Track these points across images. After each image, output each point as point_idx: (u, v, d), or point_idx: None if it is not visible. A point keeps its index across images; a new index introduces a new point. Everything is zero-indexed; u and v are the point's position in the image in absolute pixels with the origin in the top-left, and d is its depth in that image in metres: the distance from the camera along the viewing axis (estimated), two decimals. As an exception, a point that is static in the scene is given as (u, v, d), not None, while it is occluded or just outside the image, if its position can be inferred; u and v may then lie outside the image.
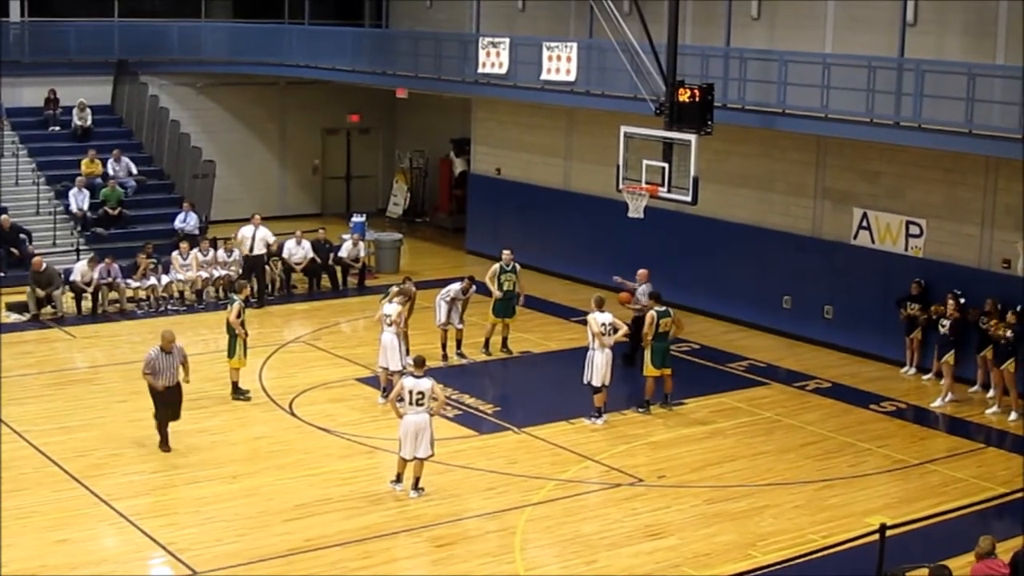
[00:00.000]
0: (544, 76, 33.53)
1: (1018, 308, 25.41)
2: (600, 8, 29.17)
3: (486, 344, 29.28)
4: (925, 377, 27.63)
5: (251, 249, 33.36)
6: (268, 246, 33.71)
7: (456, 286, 28.54)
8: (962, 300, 26.31)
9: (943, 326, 26.13)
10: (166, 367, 22.40)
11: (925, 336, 27.73)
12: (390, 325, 25.18)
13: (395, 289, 26.62)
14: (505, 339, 29.51)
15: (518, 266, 29.29)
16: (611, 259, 33.17)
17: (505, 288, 28.90)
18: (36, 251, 33.63)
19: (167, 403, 22.64)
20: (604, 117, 32.79)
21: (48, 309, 31.78)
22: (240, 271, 33.45)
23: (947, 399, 26.24)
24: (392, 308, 25.27)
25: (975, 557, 15.17)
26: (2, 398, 25.19)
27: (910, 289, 27.80)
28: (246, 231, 33.58)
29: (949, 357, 26.13)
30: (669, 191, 26.81)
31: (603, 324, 24.53)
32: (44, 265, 32.13)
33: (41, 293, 31.65)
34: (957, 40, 27.64)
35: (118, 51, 42.11)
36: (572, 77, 32.85)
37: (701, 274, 32.95)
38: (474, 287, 28.96)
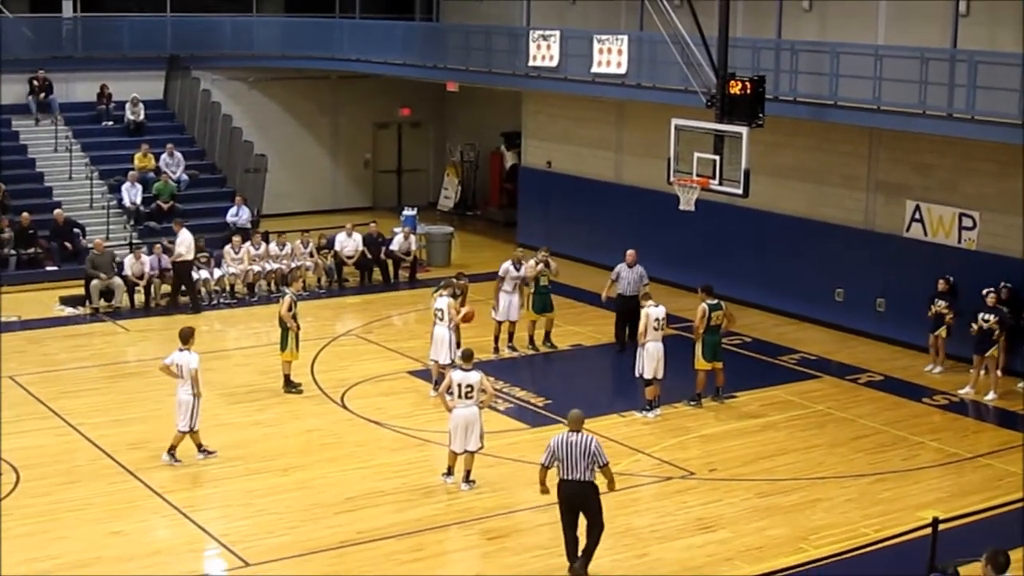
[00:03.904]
0: (595, 69, 33.48)
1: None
2: (651, 0, 29.10)
3: (531, 340, 29.29)
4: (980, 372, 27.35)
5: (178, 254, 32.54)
6: (191, 250, 32.62)
7: (508, 265, 28.59)
8: (1001, 295, 26.20)
9: (987, 320, 25.90)
10: (567, 456, 17.41)
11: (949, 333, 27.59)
12: (442, 319, 25.21)
13: (446, 283, 26.67)
14: (548, 333, 29.52)
15: (552, 261, 29.39)
16: (663, 252, 33.16)
17: (542, 283, 28.99)
18: (89, 246, 33.84)
19: (572, 504, 17.65)
20: (655, 110, 32.73)
21: (103, 303, 32.00)
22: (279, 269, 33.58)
23: (997, 393, 26.10)
24: (443, 302, 25.28)
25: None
26: (51, 390, 25.50)
27: (937, 286, 27.62)
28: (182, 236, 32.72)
29: (994, 350, 25.94)
30: (720, 184, 26.76)
31: (656, 319, 24.49)
32: (104, 249, 32.60)
33: (102, 279, 31.97)
34: (1010, 31, 27.40)
35: (170, 46, 42.42)
36: (623, 70, 32.79)
37: (752, 267, 32.85)
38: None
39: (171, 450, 21.76)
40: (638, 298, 26.49)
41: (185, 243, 32.42)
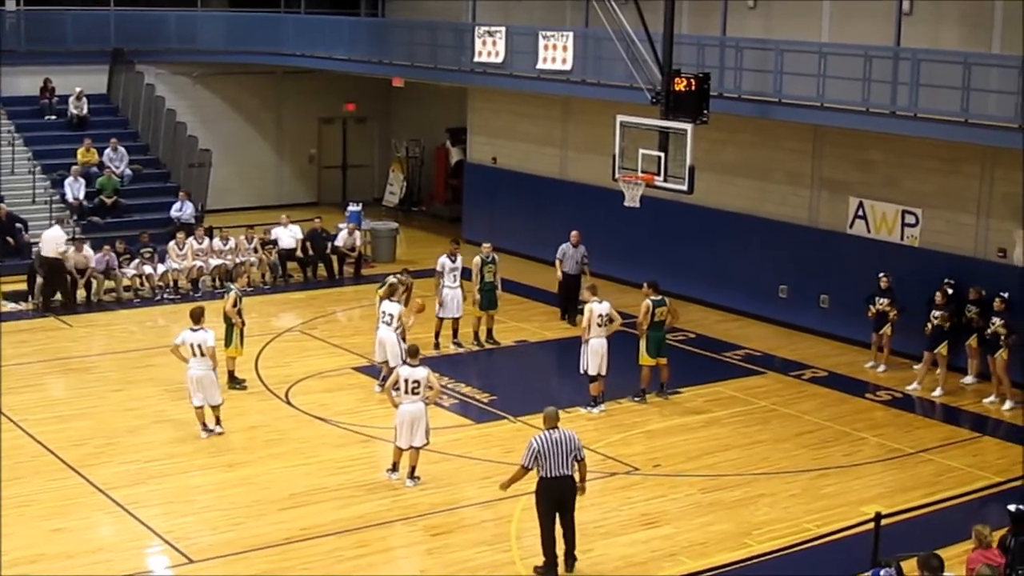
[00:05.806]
0: (540, 65, 33.53)
1: (1005, 295, 25.39)
2: (596, -3, 29.19)
3: (476, 336, 29.28)
4: (915, 366, 27.49)
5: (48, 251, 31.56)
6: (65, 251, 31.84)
7: (443, 259, 28.74)
8: (950, 292, 26.37)
9: (935, 317, 26.11)
10: (553, 453, 17.60)
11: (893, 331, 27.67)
12: (389, 324, 25.06)
13: (391, 280, 26.50)
14: (490, 330, 29.49)
15: (497, 257, 29.37)
16: (608, 248, 33.20)
17: (487, 279, 28.92)
18: (32, 240, 33.59)
19: (560, 501, 17.78)
20: (600, 106, 32.75)
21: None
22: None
23: (944, 389, 26.28)
24: (395, 308, 25.10)
25: (979, 544, 15.14)
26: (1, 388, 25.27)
27: (878, 283, 27.76)
28: (48, 233, 32.00)
29: (942, 348, 26.14)
30: (665, 180, 26.80)
31: (600, 315, 24.52)
32: None
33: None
34: (953, 29, 27.64)
35: (114, 40, 42.05)
36: (568, 66, 32.85)
37: (697, 263, 32.94)
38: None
39: (204, 426, 22.89)
40: (580, 276, 29.45)
41: (48, 240, 31.64)
